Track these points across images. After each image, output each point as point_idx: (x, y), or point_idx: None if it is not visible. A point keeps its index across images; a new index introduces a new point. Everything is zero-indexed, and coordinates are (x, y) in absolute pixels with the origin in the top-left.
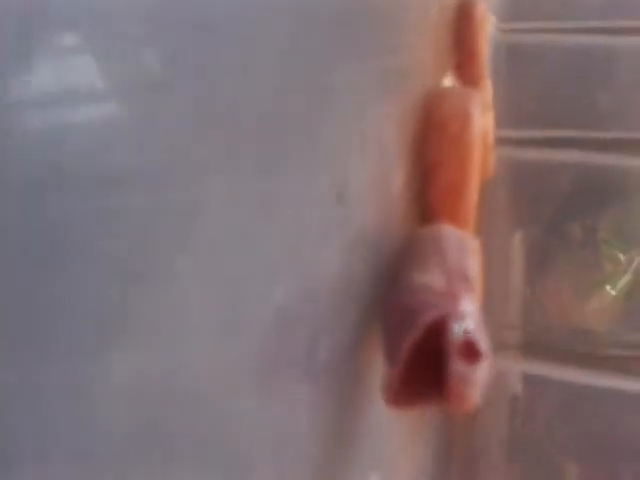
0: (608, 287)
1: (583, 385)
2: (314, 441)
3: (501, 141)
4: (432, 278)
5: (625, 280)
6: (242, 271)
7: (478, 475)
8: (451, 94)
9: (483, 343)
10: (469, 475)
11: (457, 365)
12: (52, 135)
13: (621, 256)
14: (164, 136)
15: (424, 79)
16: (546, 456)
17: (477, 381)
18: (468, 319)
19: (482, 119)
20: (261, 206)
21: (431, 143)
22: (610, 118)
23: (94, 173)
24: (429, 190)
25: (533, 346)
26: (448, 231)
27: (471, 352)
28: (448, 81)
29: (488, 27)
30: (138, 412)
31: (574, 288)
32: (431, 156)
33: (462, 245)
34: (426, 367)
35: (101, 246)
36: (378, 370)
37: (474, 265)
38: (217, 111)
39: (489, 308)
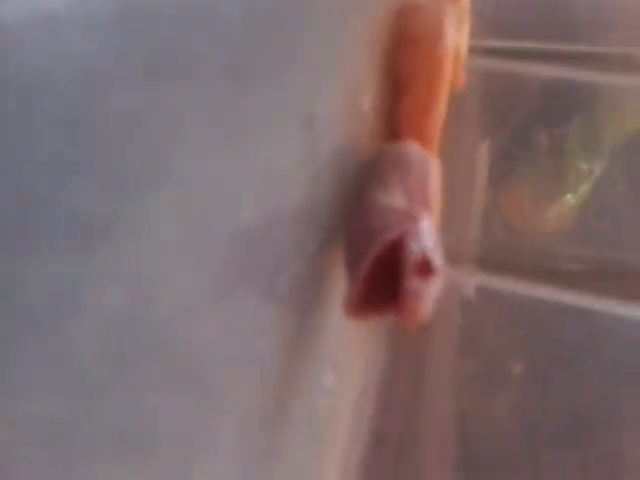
0: (569, 196)
1: (533, 297)
2: (272, 351)
3: (474, 50)
4: (393, 198)
5: (585, 189)
6: (209, 196)
7: (427, 373)
8: (425, 8)
9: (437, 260)
10: (419, 374)
11: (411, 281)
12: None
13: (584, 166)
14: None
15: None
16: (493, 357)
17: (429, 296)
18: (425, 237)
19: (455, 35)
20: (228, 137)
21: (402, 60)
22: (587, 33)
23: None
24: (398, 107)
25: (489, 260)
26: (412, 149)
27: (425, 268)
28: None
29: None
30: (108, 342)
31: (536, 196)
32: (401, 73)
33: (425, 164)
34: (383, 282)
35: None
36: (337, 283)
37: (435, 185)
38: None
39: (450, 220)
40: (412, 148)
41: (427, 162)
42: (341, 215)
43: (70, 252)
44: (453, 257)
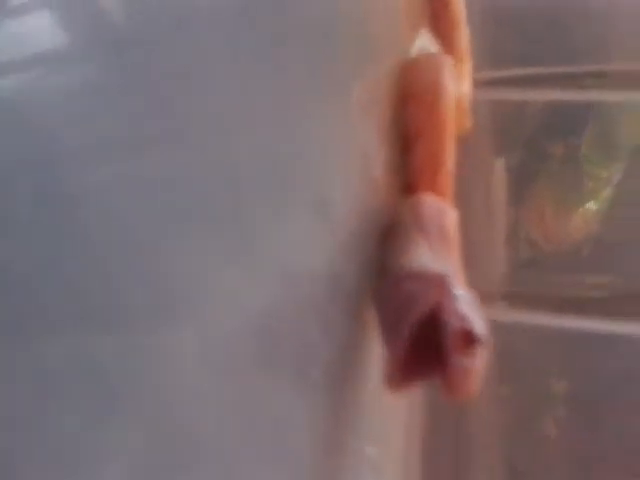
0: (591, 202)
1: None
2: (313, 432)
3: (478, 82)
4: (420, 260)
5: (606, 193)
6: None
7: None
8: (423, 65)
9: (479, 328)
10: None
11: (456, 358)
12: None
13: (602, 172)
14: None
15: (397, 43)
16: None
17: (476, 369)
18: (462, 306)
19: (455, 83)
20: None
21: (407, 116)
22: (586, 54)
23: None
24: (409, 163)
25: (517, 295)
26: (428, 200)
27: (468, 338)
28: (422, 38)
29: None
30: None
31: (557, 207)
32: (408, 130)
33: (441, 211)
34: (423, 347)
35: None
36: (372, 351)
37: (454, 233)
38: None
39: (474, 255)
40: (427, 200)
41: (444, 210)
42: (368, 282)
43: None
44: (481, 295)
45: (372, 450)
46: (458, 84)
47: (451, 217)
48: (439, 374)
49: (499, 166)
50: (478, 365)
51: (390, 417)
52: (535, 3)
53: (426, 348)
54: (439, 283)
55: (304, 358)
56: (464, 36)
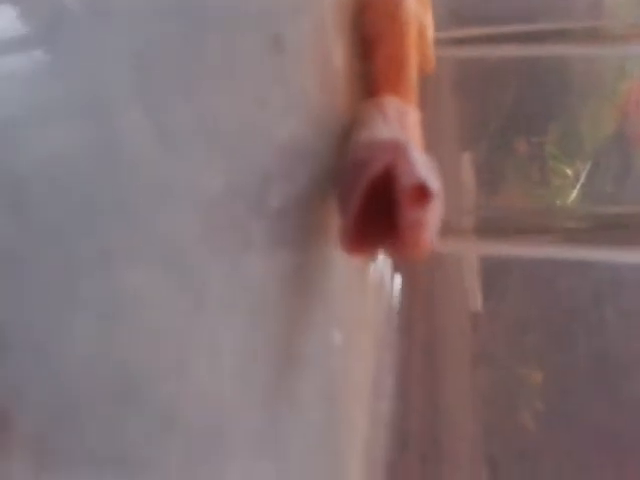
0: (558, 202)
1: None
2: (272, 283)
3: (442, 41)
4: (377, 132)
5: (574, 194)
6: (183, 120)
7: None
8: None
9: (432, 183)
10: (430, 357)
11: (409, 211)
12: None
13: (568, 170)
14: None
15: None
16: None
17: (429, 224)
18: (416, 163)
19: (416, 5)
20: (193, 60)
21: (368, 22)
22: (545, 11)
23: None
24: (370, 64)
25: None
26: (389, 100)
27: (422, 195)
28: None
29: None
30: None
31: (526, 202)
32: (368, 32)
33: (403, 111)
34: (382, 215)
35: None
36: (334, 228)
37: (416, 127)
38: None
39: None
40: (390, 99)
41: (405, 109)
42: (325, 158)
43: None
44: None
45: (337, 335)
46: (422, 11)
47: (414, 115)
48: (393, 234)
49: (465, 160)
50: (431, 219)
51: (357, 322)
52: None
53: (382, 214)
54: (393, 146)
55: (263, 184)
56: None
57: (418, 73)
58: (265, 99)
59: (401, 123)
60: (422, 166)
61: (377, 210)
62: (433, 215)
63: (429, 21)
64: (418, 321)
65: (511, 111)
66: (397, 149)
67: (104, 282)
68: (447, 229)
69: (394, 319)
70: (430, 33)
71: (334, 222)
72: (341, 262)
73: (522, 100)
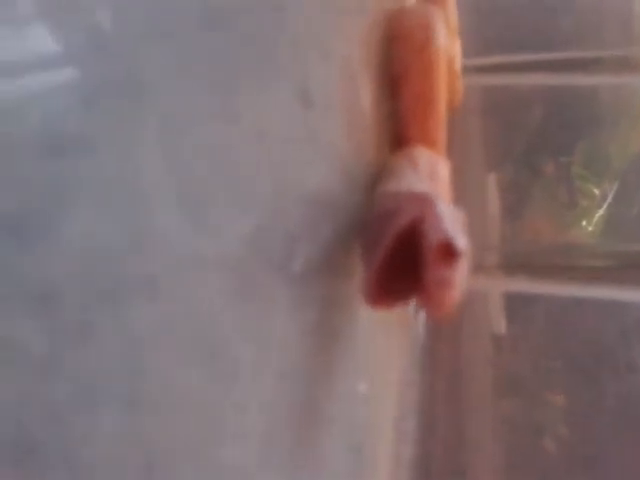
0: (584, 222)
1: (566, 298)
2: (297, 342)
3: (469, 69)
4: (406, 183)
5: (600, 215)
6: (212, 187)
7: (461, 384)
8: (413, 10)
9: (460, 241)
10: (454, 389)
11: (435, 269)
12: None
13: (595, 190)
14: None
15: (387, 1)
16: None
17: (456, 283)
18: (444, 220)
19: (445, 37)
20: (223, 121)
21: (396, 56)
22: (571, 40)
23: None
24: (398, 102)
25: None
26: (420, 150)
27: (448, 252)
28: (411, 1)
29: None
30: None
31: (551, 225)
32: (396, 68)
33: (433, 162)
34: (406, 268)
35: None
36: (359, 280)
37: (445, 179)
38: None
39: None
40: (421, 150)
41: (436, 160)
42: (354, 207)
43: None
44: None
45: (363, 385)
46: (450, 42)
47: (444, 168)
48: (419, 290)
49: (491, 181)
50: (458, 278)
51: (383, 364)
52: None
53: (408, 268)
54: (422, 198)
55: (288, 246)
56: (453, 9)
57: (447, 106)
58: (293, 157)
59: (432, 176)
60: (450, 222)
61: (403, 262)
62: (460, 274)
63: (457, 51)
64: (442, 355)
65: (538, 133)
66: (425, 202)
67: (132, 368)
68: (473, 265)
69: (418, 356)
70: (458, 64)
71: (358, 272)
72: (366, 312)
73: (549, 123)
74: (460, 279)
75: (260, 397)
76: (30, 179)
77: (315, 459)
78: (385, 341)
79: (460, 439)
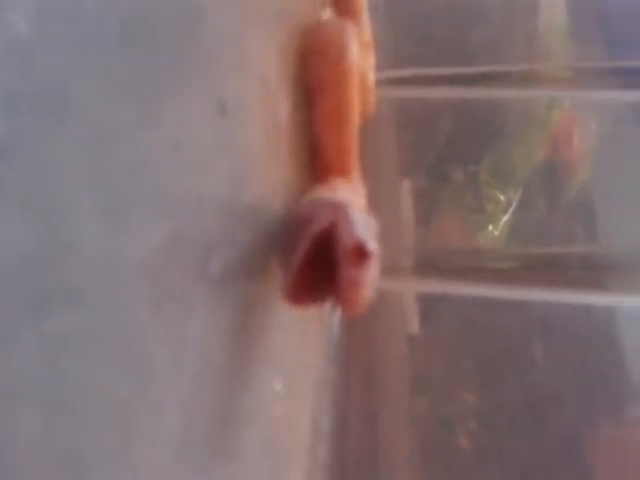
0: (491, 227)
1: (474, 298)
2: (214, 344)
3: (382, 82)
4: (323, 195)
5: (505, 220)
6: (132, 195)
7: (376, 382)
8: (328, 24)
9: (371, 245)
10: (369, 387)
11: (347, 269)
12: None
13: (501, 197)
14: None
15: (303, 14)
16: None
17: (367, 282)
18: (356, 224)
19: (359, 51)
20: (142, 131)
21: (312, 70)
22: (481, 55)
23: None
24: (313, 113)
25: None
26: (339, 180)
27: (360, 254)
28: (326, 15)
29: None
30: None
31: (461, 229)
32: (312, 82)
33: (349, 186)
34: (323, 270)
35: None
36: (276, 283)
37: (360, 201)
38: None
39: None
40: (340, 182)
41: (353, 186)
42: (270, 220)
43: None
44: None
45: (279, 384)
46: (363, 56)
47: (362, 192)
48: (334, 290)
49: (405, 188)
50: (369, 278)
51: (298, 365)
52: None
53: (323, 270)
54: (337, 205)
55: (204, 251)
56: (367, 23)
57: (360, 117)
58: (210, 165)
59: (350, 196)
60: (362, 227)
61: (319, 264)
62: (371, 274)
63: (371, 65)
64: (358, 354)
65: (449, 143)
66: (339, 209)
67: (49, 370)
68: (387, 268)
69: (333, 354)
70: (371, 77)
71: (276, 275)
72: (283, 312)
73: (459, 133)
74: (371, 279)
75: (176, 397)
76: None
77: (231, 457)
78: (301, 340)
79: (374, 436)
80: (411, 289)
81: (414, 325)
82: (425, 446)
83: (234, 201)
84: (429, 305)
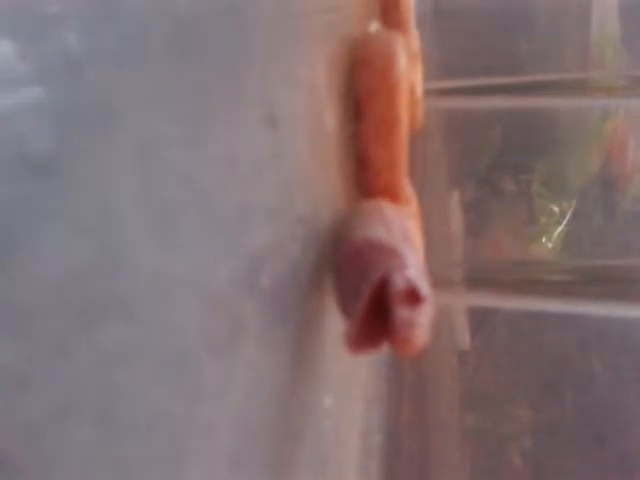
0: (544, 239)
1: (528, 312)
2: (264, 358)
3: (431, 92)
4: (376, 234)
5: (558, 231)
6: (181, 209)
7: (427, 398)
8: (376, 36)
9: (424, 288)
10: (420, 403)
11: (400, 310)
12: None
13: (554, 208)
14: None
15: (352, 27)
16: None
17: (421, 323)
18: (410, 269)
19: (407, 62)
20: (192, 147)
21: (360, 81)
22: (531, 64)
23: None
24: (361, 124)
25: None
26: (386, 203)
27: (414, 298)
28: (374, 27)
29: None
30: None
31: (512, 241)
32: (361, 93)
33: (400, 211)
34: (377, 314)
35: None
36: (327, 305)
37: (412, 227)
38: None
39: (431, 260)
40: (386, 203)
41: (402, 210)
42: (320, 237)
43: None
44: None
45: (329, 400)
46: (411, 68)
47: (409, 213)
48: (389, 333)
49: (454, 199)
50: (423, 320)
51: (347, 369)
52: (483, 17)
53: (379, 315)
54: (392, 251)
55: (255, 264)
56: (415, 34)
57: (408, 129)
58: (260, 177)
59: (399, 220)
60: (415, 270)
61: (374, 309)
62: (425, 317)
63: (419, 76)
64: (408, 370)
65: (499, 153)
66: (395, 255)
67: (103, 385)
68: (436, 281)
69: (383, 370)
70: (419, 89)
71: (326, 288)
72: (333, 326)
73: (510, 143)
74: (426, 321)
75: (227, 413)
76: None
77: (282, 474)
78: (350, 356)
79: (426, 453)
80: (461, 303)
81: (465, 340)
82: (478, 463)
83: (284, 212)
84: (480, 319)
